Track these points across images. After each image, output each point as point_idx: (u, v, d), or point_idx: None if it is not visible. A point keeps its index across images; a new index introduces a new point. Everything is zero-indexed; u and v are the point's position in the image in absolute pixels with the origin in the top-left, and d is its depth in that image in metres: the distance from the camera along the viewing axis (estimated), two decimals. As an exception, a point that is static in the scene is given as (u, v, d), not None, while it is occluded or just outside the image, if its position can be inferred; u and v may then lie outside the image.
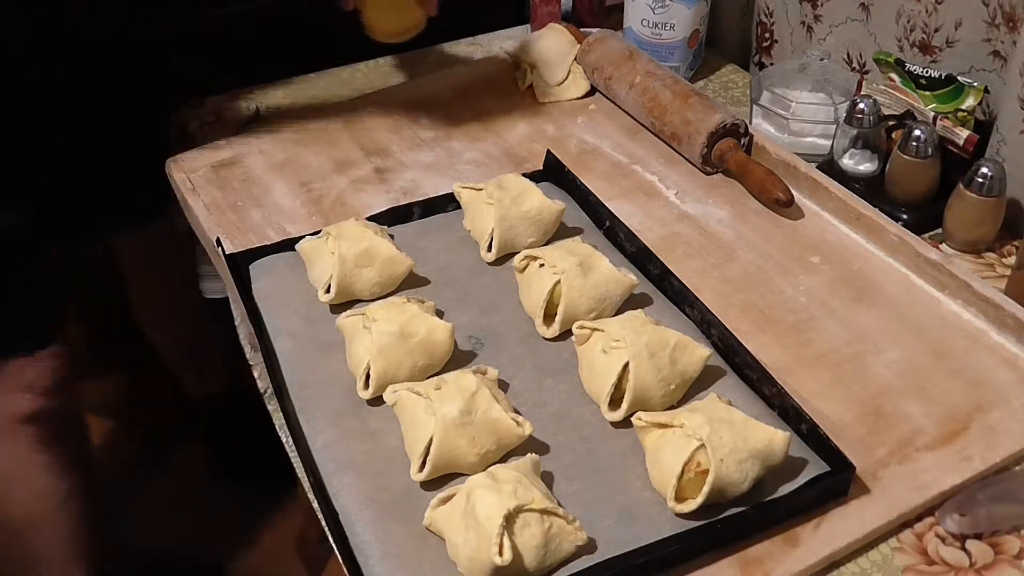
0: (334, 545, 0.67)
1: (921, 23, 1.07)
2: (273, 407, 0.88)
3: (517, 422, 0.71)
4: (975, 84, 1.00)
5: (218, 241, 0.94)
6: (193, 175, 1.07)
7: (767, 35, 1.31)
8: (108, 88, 0.96)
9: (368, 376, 0.76)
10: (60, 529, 1.25)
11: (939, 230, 0.99)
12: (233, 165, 1.08)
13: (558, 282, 0.81)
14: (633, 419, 0.70)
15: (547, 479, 0.70)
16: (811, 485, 0.69)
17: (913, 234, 0.93)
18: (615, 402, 0.75)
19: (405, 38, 1.07)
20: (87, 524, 1.28)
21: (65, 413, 1.19)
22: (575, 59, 1.22)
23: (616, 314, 0.82)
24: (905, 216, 0.99)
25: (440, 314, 0.82)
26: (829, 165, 1.06)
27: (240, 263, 0.91)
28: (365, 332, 0.77)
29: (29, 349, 1.11)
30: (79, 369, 1.20)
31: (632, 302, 0.85)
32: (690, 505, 0.66)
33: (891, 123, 1.04)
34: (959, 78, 1.00)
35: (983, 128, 1.01)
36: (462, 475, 0.70)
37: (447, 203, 0.98)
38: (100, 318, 1.30)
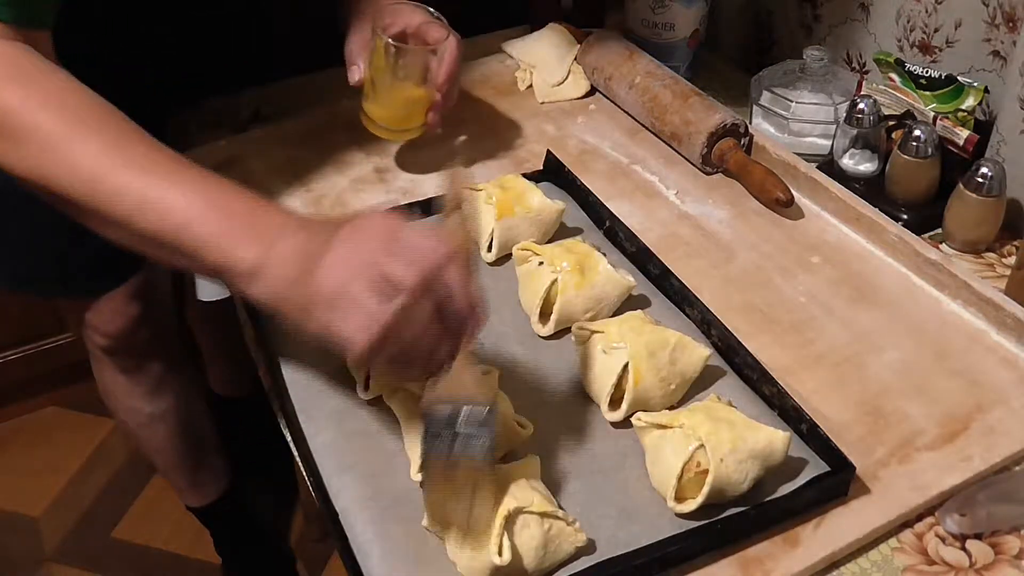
0: (335, 544, 0.67)
1: (921, 23, 1.07)
2: (275, 407, 0.88)
3: (518, 422, 0.71)
4: (975, 84, 1.00)
5: (218, 241, 0.94)
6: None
7: (767, 35, 1.31)
8: (107, 88, 0.95)
9: (368, 377, 0.76)
10: (152, 444, 1.37)
11: (939, 230, 0.99)
12: (233, 165, 1.08)
13: (555, 280, 0.81)
14: (633, 419, 0.70)
15: (547, 479, 0.70)
16: (811, 485, 0.69)
17: (913, 234, 0.93)
18: (615, 402, 0.75)
19: (397, 138, 1.06)
20: (175, 447, 1.37)
21: (139, 348, 1.24)
22: (575, 59, 1.22)
23: (615, 315, 0.82)
24: (905, 216, 0.99)
25: (440, 314, 0.81)
26: (829, 165, 1.06)
27: (240, 263, 0.91)
28: (365, 332, 0.77)
29: (107, 289, 1.15)
30: (156, 305, 1.22)
31: (632, 302, 0.84)
32: (690, 505, 0.66)
33: (891, 123, 1.04)
34: (959, 78, 1.00)
35: (983, 128, 1.01)
36: (462, 475, 0.70)
37: (447, 203, 0.98)
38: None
